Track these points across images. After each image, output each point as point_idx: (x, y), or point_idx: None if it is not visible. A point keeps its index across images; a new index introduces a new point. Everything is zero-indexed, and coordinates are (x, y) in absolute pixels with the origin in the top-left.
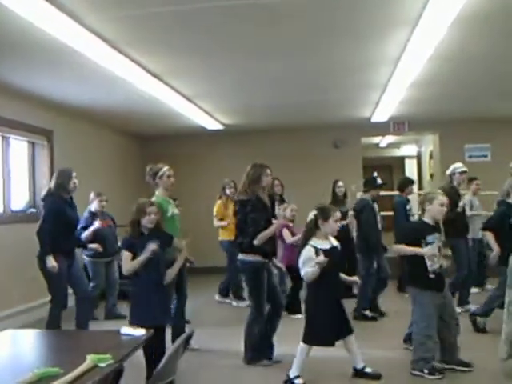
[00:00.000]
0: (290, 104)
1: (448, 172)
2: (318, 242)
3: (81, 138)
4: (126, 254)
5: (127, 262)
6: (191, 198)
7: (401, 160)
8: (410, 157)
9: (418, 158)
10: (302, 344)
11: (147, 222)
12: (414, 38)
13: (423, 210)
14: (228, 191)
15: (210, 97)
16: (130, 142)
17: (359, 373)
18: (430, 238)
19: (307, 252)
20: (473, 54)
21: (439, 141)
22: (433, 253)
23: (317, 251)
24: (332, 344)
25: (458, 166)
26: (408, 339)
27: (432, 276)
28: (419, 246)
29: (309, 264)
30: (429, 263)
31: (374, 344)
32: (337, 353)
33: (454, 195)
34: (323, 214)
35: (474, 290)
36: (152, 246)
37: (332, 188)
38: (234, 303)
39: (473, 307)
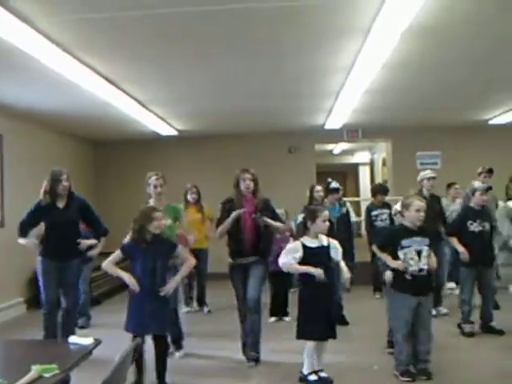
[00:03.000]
0: (244, 110)
1: (418, 179)
2: (307, 240)
3: (32, 142)
4: (117, 253)
5: (112, 259)
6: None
7: (354, 167)
8: (363, 164)
9: (371, 164)
10: (307, 343)
11: (154, 227)
12: (367, 47)
13: (403, 216)
14: (189, 197)
15: (163, 102)
16: (82, 147)
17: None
18: (405, 242)
19: (294, 245)
20: (424, 64)
21: (392, 148)
22: (400, 266)
23: (304, 248)
24: (322, 339)
25: (426, 172)
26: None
27: (409, 277)
28: (395, 249)
29: (290, 255)
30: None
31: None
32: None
33: None
34: (311, 214)
35: (452, 285)
36: (134, 287)
37: (310, 193)
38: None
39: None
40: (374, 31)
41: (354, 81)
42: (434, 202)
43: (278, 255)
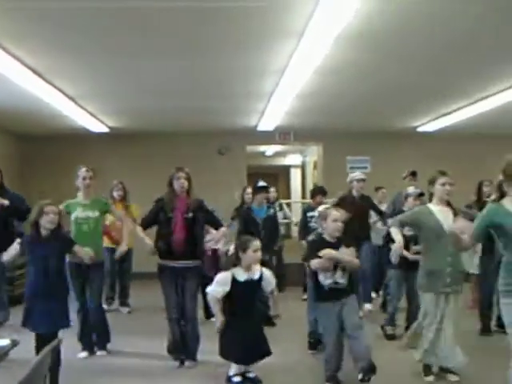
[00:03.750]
0: (175, 108)
1: (348, 180)
2: (238, 272)
3: None
4: (15, 245)
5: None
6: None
7: (286, 169)
8: (295, 166)
9: (303, 167)
10: None
11: (46, 222)
12: (300, 50)
13: (322, 227)
14: (115, 194)
15: (93, 98)
16: (6, 141)
17: (242, 375)
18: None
19: (225, 277)
20: (356, 70)
21: (323, 151)
22: (318, 265)
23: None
24: (243, 363)
25: (356, 174)
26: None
27: (326, 290)
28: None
29: (219, 286)
30: (321, 278)
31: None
32: None
33: (348, 204)
34: (241, 245)
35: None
36: None
37: (241, 194)
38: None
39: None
40: (308, 35)
41: (286, 83)
42: (364, 203)
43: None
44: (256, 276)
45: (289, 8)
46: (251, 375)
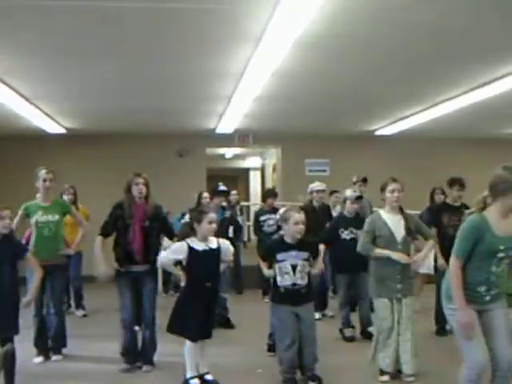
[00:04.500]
0: (134, 110)
1: (308, 191)
2: (194, 242)
3: None
4: None
5: None
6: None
7: (246, 171)
8: (254, 169)
9: (262, 170)
10: (186, 344)
11: (1, 227)
12: (258, 54)
13: (280, 229)
14: (66, 197)
15: (49, 98)
16: None
17: (200, 377)
18: (279, 256)
19: (179, 245)
20: (313, 74)
21: (281, 154)
22: (270, 274)
23: (190, 250)
24: (192, 339)
25: (315, 184)
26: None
27: (282, 291)
28: (272, 262)
29: (172, 254)
30: (278, 279)
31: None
32: None
33: (309, 214)
34: (196, 217)
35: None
36: None
37: (198, 198)
38: None
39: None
40: (266, 38)
41: (245, 86)
42: (324, 211)
43: None
44: (213, 245)
45: (248, 11)
46: (209, 378)
